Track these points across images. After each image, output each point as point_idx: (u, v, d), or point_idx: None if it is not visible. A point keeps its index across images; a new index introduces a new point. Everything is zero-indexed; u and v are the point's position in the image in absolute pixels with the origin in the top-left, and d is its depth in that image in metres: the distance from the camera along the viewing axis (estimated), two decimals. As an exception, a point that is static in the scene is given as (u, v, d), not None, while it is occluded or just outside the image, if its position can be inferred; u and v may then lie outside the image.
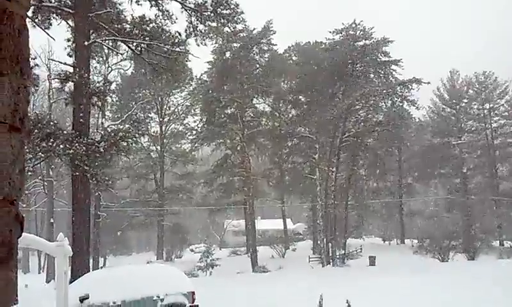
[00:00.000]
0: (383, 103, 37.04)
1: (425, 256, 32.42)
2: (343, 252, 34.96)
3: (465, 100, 52.57)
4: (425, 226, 48.95)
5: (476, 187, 50.68)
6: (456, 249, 32.43)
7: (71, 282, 10.72)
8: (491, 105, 52.20)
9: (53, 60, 29.22)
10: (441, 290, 16.56)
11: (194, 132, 45.65)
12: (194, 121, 46.52)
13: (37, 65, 17.99)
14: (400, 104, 36.40)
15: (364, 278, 21.58)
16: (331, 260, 33.93)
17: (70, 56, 18.45)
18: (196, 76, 42.39)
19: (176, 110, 49.28)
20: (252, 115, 42.63)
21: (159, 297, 10.53)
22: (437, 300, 14.26)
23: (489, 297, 14.26)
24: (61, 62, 18.47)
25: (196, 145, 45.74)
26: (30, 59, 1.44)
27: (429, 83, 35.50)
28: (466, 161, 51.88)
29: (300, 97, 42.84)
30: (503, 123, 52.73)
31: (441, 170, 53.47)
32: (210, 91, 38.64)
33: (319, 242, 40.08)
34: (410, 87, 34.35)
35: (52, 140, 14.34)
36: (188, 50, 19.68)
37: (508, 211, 45.39)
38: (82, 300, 9.48)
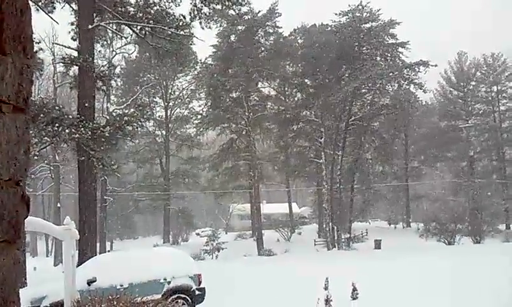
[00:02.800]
0: (390, 86, 36.72)
1: (431, 240, 32.44)
2: (348, 235, 35.05)
3: (473, 83, 52.05)
4: (431, 209, 48.92)
5: (483, 170, 50.47)
6: (462, 232, 32.40)
7: (78, 265, 10.83)
8: (499, 88, 51.66)
9: (57, 44, 29.18)
10: (447, 273, 16.59)
11: (199, 117, 45.63)
12: (199, 106, 46.54)
13: (41, 49, 17.97)
14: (407, 87, 36.08)
15: (370, 261, 21.65)
16: (336, 244, 34.06)
17: (74, 40, 18.38)
18: (200, 60, 42.25)
19: (181, 94, 49.24)
20: (257, 99, 42.49)
21: (165, 279, 10.63)
22: (442, 283, 14.30)
23: (494, 280, 14.28)
24: (65, 46, 18.44)
25: (201, 129, 45.75)
26: (33, 39, 1.42)
27: (436, 66, 35.15)
28: (473, 144, 51.56)
29: (306, 80, 42.58)
30: (511, 105, 52.24)
31: (447, 153, 53.20)
32: (215, 75, 38.48)
33: (324, 226, 40.20)
34: (417, 69, 34.00)
35: (57, 124, 14.36)
36: (192, 34, 19.51)
37: (515, 194, 45.28)
38: (89, 283, 9.59)
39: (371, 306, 11.20)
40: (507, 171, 50.55)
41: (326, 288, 12.27)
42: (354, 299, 11.88)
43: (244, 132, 40.34)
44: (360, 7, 35.69)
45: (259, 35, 39.43)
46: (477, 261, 19.41)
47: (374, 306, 11.16)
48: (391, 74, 34.40)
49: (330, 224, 35.61)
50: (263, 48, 40.21)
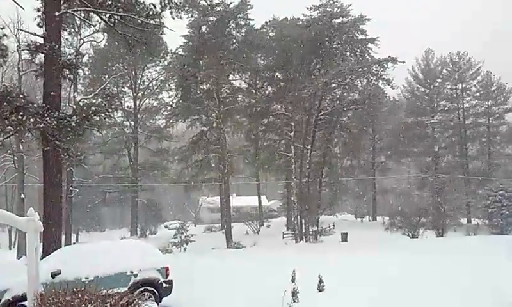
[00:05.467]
0: (359, 82, 37.18)
1: (395, 233, 33.23)
2: (316, 228, 35.48)
3: (439, 80, 53.36)
4: (396, 203, 50.09)
5: (447, 165, 51.90)
6: (425, 225, 33.29)
7: (42, 258, 10.59)
8: (463, 86, 53.16)
9: (22, 30, 28.35)
10: (409, 264, 17.06)
11: (169, 108, 45.16)
12: (169, 97, 45.99)
13: (5, 35, 17.28)
14: (376, 83, 36.61)
15: (336, 254, 22.02)
16: (304, 236, 34.43)
17: (40, 27, 17.79)
18: (171, 50, 41.76)
19: (150, 85, 48.56)
20: (228, 91, 42.32)
21: (132, 272, 10.53)
22: (404, 273, 14.69)
23: (454, 270, 14.78)
24: (30, 33, 17.83)
25: (171, 121, 45.31)
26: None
27: (404, 62, 35.68)
28: (438, 140, 52.96)
29: (277, 74, 42.65)
30: (474, 103, 53.87)
31: (413, 149, 54.50)
32: (186, 66, 38.10)
33: (293, 219, 40.58)
34: (386, 66, 34.52)
35: (21, 113, 13.90)
36: (163, 23, 19.18)
37: (476, 189, 46.71)
38: (53, 275, 9.40)
39: (337, 297, 11.40)
40: (469, 167, 52.17)
41: (293, 280, 12.42)
42: (320, 291, 12.08)
43: (214, 125, 40.16)
44: (331, 2, 35.95)
45: (231, 27, 39.22)
46: (438, 253, 20.00)
47: (339, 298, 11.35)
48: (360, 70, 34.83)
49: (298, 217, 35.94)
50: (234, 40, 40.01)
